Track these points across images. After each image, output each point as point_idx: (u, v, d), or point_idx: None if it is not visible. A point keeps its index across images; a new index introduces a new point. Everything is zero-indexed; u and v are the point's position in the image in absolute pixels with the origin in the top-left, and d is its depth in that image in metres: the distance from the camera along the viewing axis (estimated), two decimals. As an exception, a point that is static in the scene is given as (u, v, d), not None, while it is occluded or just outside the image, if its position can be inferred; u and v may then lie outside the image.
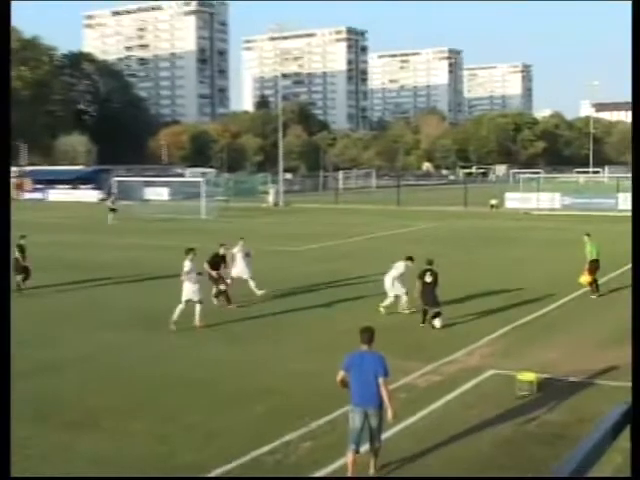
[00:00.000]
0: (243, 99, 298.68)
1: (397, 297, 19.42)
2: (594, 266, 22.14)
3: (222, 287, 20.32)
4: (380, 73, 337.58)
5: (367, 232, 41.86)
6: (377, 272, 26.84)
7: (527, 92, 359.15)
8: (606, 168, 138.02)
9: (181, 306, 17.83)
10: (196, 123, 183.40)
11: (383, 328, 17.67)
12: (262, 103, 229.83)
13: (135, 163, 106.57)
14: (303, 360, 14.99)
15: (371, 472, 9.71)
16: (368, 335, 9.76)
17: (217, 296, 20.47)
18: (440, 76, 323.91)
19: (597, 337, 16.91)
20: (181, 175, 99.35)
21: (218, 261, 20.46)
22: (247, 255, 22.09)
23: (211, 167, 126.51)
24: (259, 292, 21.39)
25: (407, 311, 19.20)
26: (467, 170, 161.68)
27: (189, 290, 18.00)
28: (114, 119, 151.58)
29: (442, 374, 14.07)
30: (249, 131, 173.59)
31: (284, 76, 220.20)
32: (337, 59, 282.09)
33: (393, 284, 19.39)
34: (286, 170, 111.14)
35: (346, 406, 10.17)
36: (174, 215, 54.25)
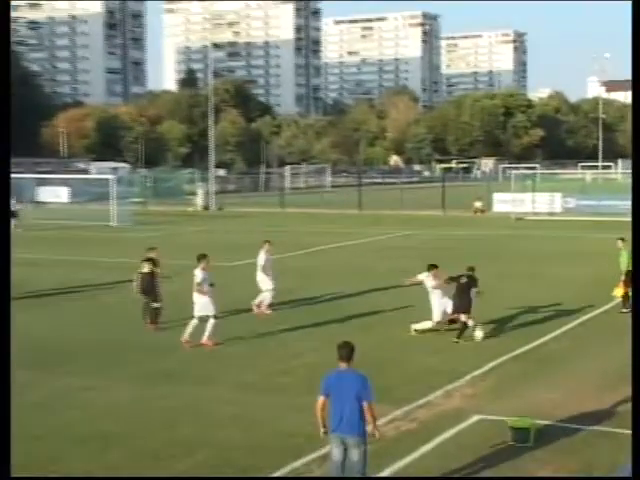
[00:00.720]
0: (164, 75, 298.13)
1: None
2: (630, 277, 22.53)
3: (155, 305, 21.72)
4: (337, 43, 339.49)
5: (321, 243, 41.95)
6: (333, 291, 27.03)
7: (520, 67, 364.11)
8: (619, 162, 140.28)
9: (195, 322, 19.42)
10: (104, 105, 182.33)
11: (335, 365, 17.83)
12: (188, 80, 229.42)
13: (25, 156, 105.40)
14: (239, 402, 14.98)
15: None
16: (347, 351, 10.19)
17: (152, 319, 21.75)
18: (411, 47, 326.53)
19: (608, 373, 17.12)
20: (85, 171, 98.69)
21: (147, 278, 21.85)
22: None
23: (124, 161, 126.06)
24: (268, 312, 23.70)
25: None
26: (445, 165, 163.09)
27: (202, 304, 19.43)
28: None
29: (415, 420, 14.14)
30: (172, 116, 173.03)
31: (216, 46, 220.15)
32: (282, 25, 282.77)
33: None
34: (219, 165, 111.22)
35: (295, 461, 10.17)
36: (76, 222, 53.82)
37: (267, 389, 16.05)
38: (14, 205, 51.92)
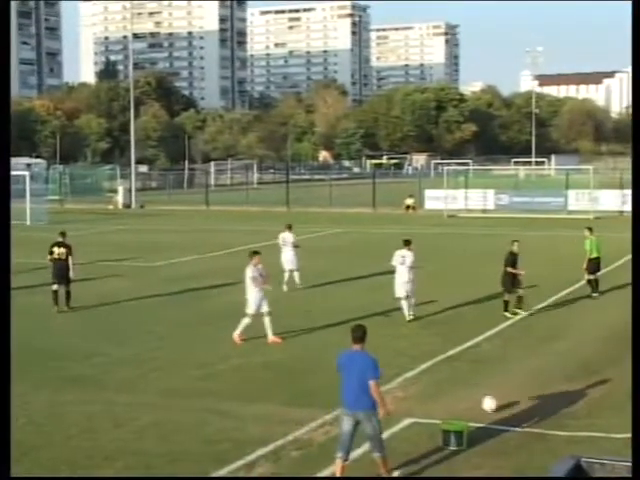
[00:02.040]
0: (81, 67, 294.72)
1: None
2: (594, 265, 25.46)
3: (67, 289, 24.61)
4: (263, 34, 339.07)
5: (246, 241, 41.85)
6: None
7: (452, 60, 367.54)
8: (552, 158, 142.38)
9: (247, 320, 20.02)
10: (17, 98, 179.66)
11: (263, 366, 17.84)
12: (107, 72, 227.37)
13: None
14: (162, 408, 14.90)
15: None
16: (359, 334, 11.74)
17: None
18: (341, 39, 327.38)
19: (541, 375, 17.36)
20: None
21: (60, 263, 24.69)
22: (295, 246, 28.65)
23: (39, 157, 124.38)
24: (299, 285, 27.69)
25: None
26: (376, 161, 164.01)
27: (256, 300, 20.06)
28: None
29: (345, 425, 14.15)
30: (90, 109, 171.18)
31: (136, 37, 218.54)
32: (206, 15, 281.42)
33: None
34: (140, 161, 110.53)
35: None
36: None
37: (192, 394, 15.99)
38: None
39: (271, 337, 20.09)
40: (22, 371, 17.56)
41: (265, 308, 20.22)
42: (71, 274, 24.74)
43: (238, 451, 12.59)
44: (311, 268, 31.31)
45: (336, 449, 11.79)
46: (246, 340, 20.06)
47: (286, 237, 29.12)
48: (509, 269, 23.25)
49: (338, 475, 11.58)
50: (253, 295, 20.25)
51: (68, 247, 24.96)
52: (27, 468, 12.38)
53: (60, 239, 25.29)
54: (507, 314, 22.86)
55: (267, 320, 20.15)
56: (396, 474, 11.97)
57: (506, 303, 23.11)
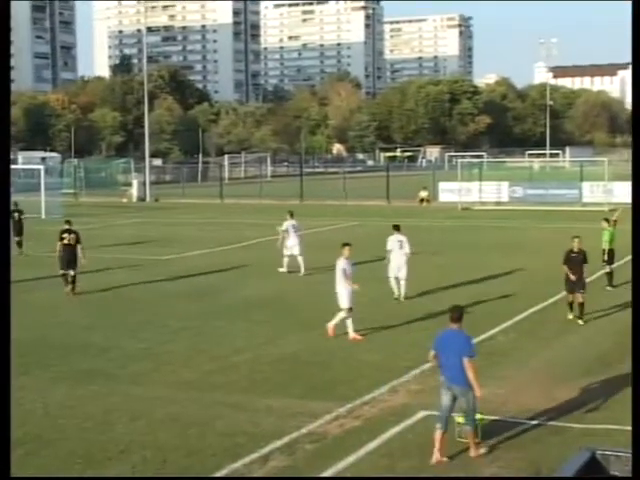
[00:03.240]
0: (95, 61, 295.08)
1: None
2: (609, 256, 25.48)
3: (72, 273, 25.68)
4: (277, 27, 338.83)
5: (260, 235, 41.88)
6: (271, 287, 27.03)
7: (466, 53, 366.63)
8: (567, 150, 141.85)
9: (343, 314, 19.88)
10: (32, 92, 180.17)
11: (277, 359, 17.84)
12: (121, 66, 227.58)
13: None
14: (177, 401, 14.92)
15: (472, 454, 12.32)
16: (457, 314, 12.48)
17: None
18: (354, 32, 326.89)
19: (556, 368, 17.31)
20: (12, 161, 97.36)
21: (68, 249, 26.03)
22: (298, 230, 30.34)
23: (53, 150, 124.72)
24: (303, 271, 29.18)
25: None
26: (390, 153, 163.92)
27: (348, 293, 19.93)
28: None
29: (360, 418, 14.19)
30: (105, 103, 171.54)
31: (150, 30, 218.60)
32: (220, 9, 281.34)
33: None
34: (155, 154, 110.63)
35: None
36: (3, 215, 53.03)
37: (206, 387, 16.00)
38: None
39: (352, 334, 19.84)
40: (38, 365, 17.61)
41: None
42: (83, 261, 26.23)
43: (252, 444, 12.59)
44: (324, 260, 31.29)
45: (435, 420, 12.41)
46: (337, 336, 19.86)
47: (290, 224, 30.63)
48: (565, 268, 21.79)
49: (437, 445, 12.15)
50: (344, 288, 20.11)
51: (77, 234, 26.45)
52: (43, 462, 12.41)
53: (67, 227, 26.65)
54: (570, 316, 21.70)
55: (342, 315, 20.03)
56: (483, 450, 12.52)
57: (570, 305, 21.79)
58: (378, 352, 18.66)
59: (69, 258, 25.91)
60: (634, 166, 14.25)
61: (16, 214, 35.47)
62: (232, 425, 13.71)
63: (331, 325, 20.03)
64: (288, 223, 30.62)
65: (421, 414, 14.25)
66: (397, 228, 24.43)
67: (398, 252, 23.69)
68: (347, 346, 19.22)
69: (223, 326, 21.37)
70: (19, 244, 35.45)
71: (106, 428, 13.75)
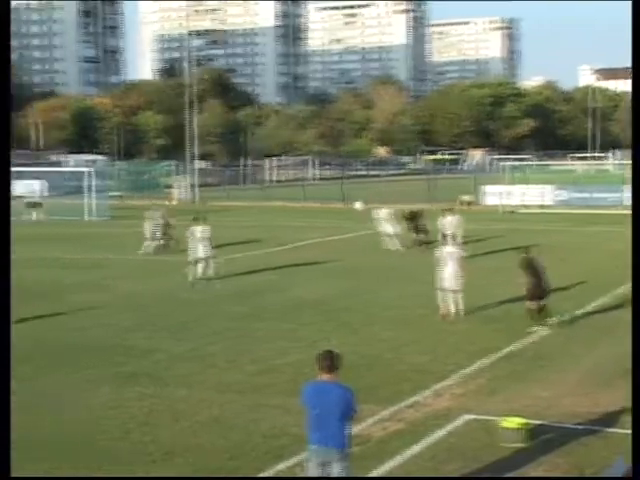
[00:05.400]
0: (141, 64, 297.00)
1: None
2: None
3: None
4: (320, 31, 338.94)
5: (303, 237, 41.94)
6: (317, 289, 27.04)
7: (511, 55, 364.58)
8: (612, 152, 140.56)
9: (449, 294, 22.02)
10: (79, 95, 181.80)
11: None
12: (166, 70, 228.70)
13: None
14: (220, 403, 14.96)
15: None
16: (328, 361, 9.86)
17: None
18: (397, 35, 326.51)
19: (602, 371, 17.15)
20: (59, 164, 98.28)
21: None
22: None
23: (100, 153, 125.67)
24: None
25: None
26: (433, 156, 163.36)
27: (449, 276, 21.97)
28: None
29: (403, 420, 14.13)
30: (150, 106, 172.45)
31: (195, 34, 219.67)
32: (264, 12, 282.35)
33: None
34: (200, 157, 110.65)
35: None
36: (48, 216, 53.54)
37: (250, 389, 16.00)
38: (35, 197, 55.00)
39: (452, 311, 22.07)
40: (84, 367, 17.70)
41: (456, 285, 22.28)
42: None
43: (296, 446, 12.54)
44: (368, 263, 31.31)
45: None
46: (455, 313, 22.13)
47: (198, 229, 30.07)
48: None
49: None
50: (446, 271, 22.26)
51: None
52: (89, 461, 12.44)
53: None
54: None
55: (459, 296, 22.10)
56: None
57: None
58: (422, 355, 18.58)
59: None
60: (634, 166, 14.16)
61: None
62: (276, 427, 13.70)
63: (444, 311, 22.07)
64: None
65: (465, 418, 14.17)
66: (444, 237, 23.89)
67: (450, 262, 22.70)
68: (391, 349, 19.17)
69: (268, 327, 21.38)
70: None
71: (150, 430, 13.78)
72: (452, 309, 22.29)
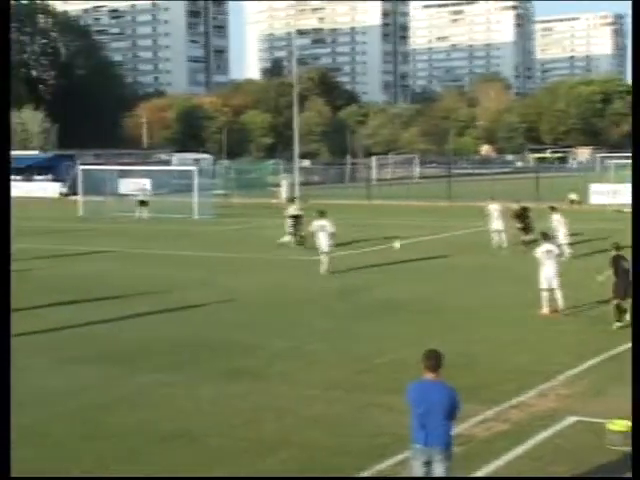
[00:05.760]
0: (247, 64, 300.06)
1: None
2: None
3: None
4: (425, 29, 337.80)
5: (407, 235, 41.84)
6: (420, 288, 26.98)
7: (620, 52, 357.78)
8: None
9: (544, 294, 22.19)
10: (186, 95, 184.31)
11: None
12: (272, 69, 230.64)
13: (106, 147, 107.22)
14: (323, 400, 15.04)
15: None
16: (434, 361, 9.90)
17: None
18: (504, 32, 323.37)
19: None
20: (167, 162, 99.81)
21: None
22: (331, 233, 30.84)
23: (206, 152, 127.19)
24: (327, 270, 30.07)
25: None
26: (539, 155, 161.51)
27: (547, 275, 22.17)
28: (79, 90, 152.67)
29: (507, 421, 14.02)
30: (256, 106, 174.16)
31: (300, 33, 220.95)
32: (369, 10, 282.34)
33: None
34: (303, 156, 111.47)
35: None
36: (156, 214, 54.45)
37: (352, 387, 16.05)
38: (144, 195, 56.64)
39: (561, 308, 22.17)
40: (190, 363, 17.98)
41: (555, 284, 22.17)
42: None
43: (398, 445, 12.52)
44: (476, 263, 31.11)
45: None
46: (557, 312, 22.22)
47: (323, 223, 31.32)
48: None
49: None
50: (544, 270, 22.24)
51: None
52: (197, 456, 12.64)
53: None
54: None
55: (559, 294, 22.15)
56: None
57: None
58: (525, 355, 18.40)
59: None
60: (634, 166, 13.84)
61: None
62: (379, 425, 13.71)
63: (545, 310, 22.19)
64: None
65: (570, 419, 14.00)
66: (545, 236, 23.65)
67: (548, 261, 22.64)
68: (493, 348, 19.03)
69: (369, 326, 21.41)
70: None
71: (255, 425, 13.93)
72: (553, 308, 22.21)
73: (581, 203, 60.73)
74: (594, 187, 63.47)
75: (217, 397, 15.56)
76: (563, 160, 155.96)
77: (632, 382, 10.42)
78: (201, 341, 19.99)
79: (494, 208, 38.17)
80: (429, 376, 9.84)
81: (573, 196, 61.33)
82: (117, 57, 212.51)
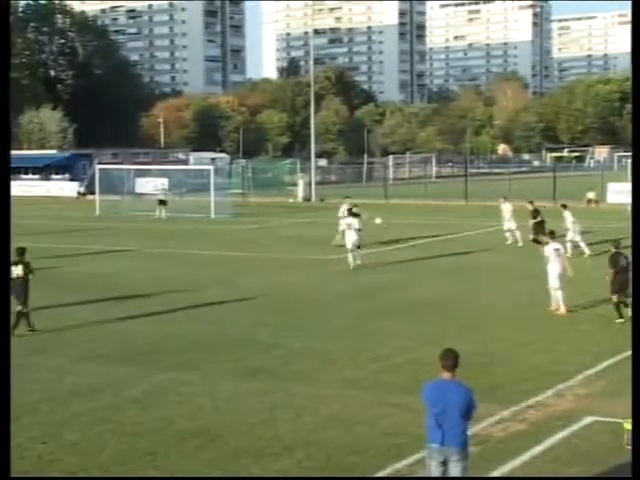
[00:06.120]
0: (264, 64, 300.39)
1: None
2: None
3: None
4: (442, 28, 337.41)
5: (423, 235, 41.85)
6: (435, 288, 26.96)
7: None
8: None
9: (553, 292, 22.45)
10: (203, 94, 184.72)
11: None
12: (289, 69, 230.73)
13: (123, 146, 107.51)
14: (341, 399, 15.05)
15: None
16: (450, 361, 9.90)
17: None
18: (521, 30, 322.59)
19: None
20: (184, 162, 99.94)
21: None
22: (358, 229, 31.90)
23: (222, 151, 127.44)
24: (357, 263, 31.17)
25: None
26: (557, 154, 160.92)
27: (553, 273, 22.28)
28: (96, 89, 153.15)
29: (525, 421, 14.02)
30: (272, 105, 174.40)
31: (317, 33, 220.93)
32: (386, 10, 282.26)
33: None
34: (320, 155, 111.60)
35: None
36: (173, 213, 54.55)
37: (370, 387, 16.07)
38: (165, 194, 56.72)
39: (562, 308, 22.33)
40: (209, 361, 18.03)
41: (558, 284, 22.29)
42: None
43: (415, 444, 12.53)
44: (492, 262, 31.10)
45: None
46: (572, 311, 22.46)
47: (350, 221, 32.23)
48: None
49: None
50: (551, 271, 22.41)
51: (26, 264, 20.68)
52: (211, 455, 12.69)
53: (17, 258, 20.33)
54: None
55: (560, 294, 22.34)
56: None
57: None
58: (542, 355, 18.39)
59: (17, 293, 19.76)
60: (634, 165, 13.85)
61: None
62: (396, 425, 13.73)
63: (562, 309, 22.36)
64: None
65: (588, 420, 13.98)
66: (552, 234, 23.64)
67: (556, 259, 22.63)
68: (510, 348, 19.01)
69: (387, 326, 21.42)
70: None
71: (272, 424, 13.97)
72: (559, 306, 22.47)
73: (598, 202, 60.53)
74: (612, 186, 63.28)
75: (235, 395, 15.60)
76: (581, 159, 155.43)
77: (632, 382, 10.36)
78: (219, 340, 20.05)
79: (506, 208, 38.76)
80: (446, 376, 9.87)
81: (591, 195, 61.16)
82: (134, 57, 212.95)
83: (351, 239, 31.40)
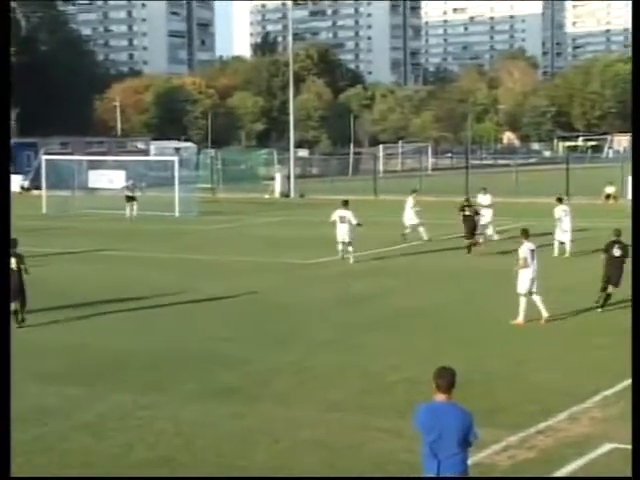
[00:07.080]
0: (235, 40, 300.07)
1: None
2: None
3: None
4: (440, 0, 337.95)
5: (417, 236, 41.84)
6: (428, 296, 26.99)
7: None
8: None
9: (524, 299, 22.61)
10: (166, 75, 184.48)
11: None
12: (264, 45, 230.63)
13: (74, 134, 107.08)
14: (323, 423, 15.06)
15: None
16: (446, 380, 9.73)
17: None
18: (529, 3, 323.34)
19: None
20: (144, 152, 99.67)
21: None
22: (358, 224, 33.75)
23: (188, 140, 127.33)
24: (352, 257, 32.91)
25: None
26: (570, 143, 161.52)
27: (524, 280, 22.47)
28: (42, 68, 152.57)
29: (534, 448, 14.02)
30: (245, 87, 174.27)
31: (296, 4, 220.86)
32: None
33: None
34: (300, 144, 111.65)
35: None
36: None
37: (356, 409, 16.09)
38: (132, 190, 54.87)
39: (545, 316, 22.53)
40: (172, 380, 18.00)
41: (534, 288, 22.46)
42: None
43: (407, 475, 12.58)
44: (489, 267, 31.17)
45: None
46: (531, 321, 22.61)
47: (344, 214, 33.70)
48: None
49: None
50: (523, 275, 22.55)
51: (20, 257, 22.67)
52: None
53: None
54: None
55: (538, 300, 22.58)
56: None
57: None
58: (551, 372, 18.41)
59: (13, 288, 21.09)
60: (634, 165, 14.02)
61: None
62: (386, 452, 13.74)
63: (519, 320, 22.51)
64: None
65: (606, 447, 14.01)
66: (525, 233, 23.29)
67: (532, 263, 22.69)
68: (511, 365, 19.04)
69: (376, 339, 21.44)
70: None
71: (245, 452, 13.96)
72: (542, 313, 22.84)
73: (617, 198, 60.65)
74: (629, 179, 63.35)
75: (202, 419, 15.57)
76: (597, 149, 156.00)
77: (632, 383, 10.39)
78: (183, 355, 20.03)
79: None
80: (440, 397, 9.72)
81: (610, 190, 61.29)
82: (86, 31, 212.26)
83: (344, 233, 32.95)
